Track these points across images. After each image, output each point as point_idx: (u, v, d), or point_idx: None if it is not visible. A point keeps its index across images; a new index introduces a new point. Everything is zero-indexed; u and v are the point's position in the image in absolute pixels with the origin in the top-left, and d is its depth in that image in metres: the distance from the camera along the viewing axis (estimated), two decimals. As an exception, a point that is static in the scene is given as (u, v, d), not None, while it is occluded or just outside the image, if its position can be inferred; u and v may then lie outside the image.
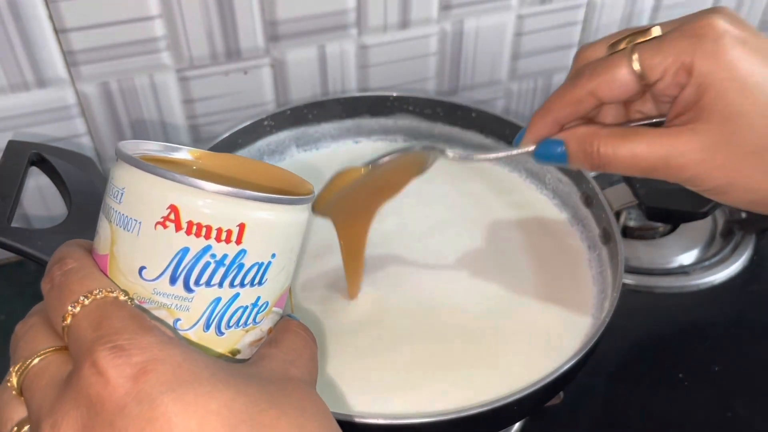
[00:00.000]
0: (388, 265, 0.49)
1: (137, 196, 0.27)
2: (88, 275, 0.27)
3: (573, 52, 0.70)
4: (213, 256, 0.27)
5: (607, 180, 0.58)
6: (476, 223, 0.53)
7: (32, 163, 0.47)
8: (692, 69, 0.34)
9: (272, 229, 0.28)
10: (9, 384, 0.27)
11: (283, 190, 0.31)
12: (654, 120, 0.38)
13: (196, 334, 0.28)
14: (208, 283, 0.27)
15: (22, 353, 0.27)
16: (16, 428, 0.26)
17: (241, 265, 0.28)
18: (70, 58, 0.53)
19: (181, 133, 0.61)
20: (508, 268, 0.50)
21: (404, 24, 0.62)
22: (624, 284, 0.45)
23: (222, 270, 0.27)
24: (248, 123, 0.56)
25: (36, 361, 0.26)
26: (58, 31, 0.52)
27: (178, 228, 0.26)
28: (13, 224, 0.41)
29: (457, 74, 0.67)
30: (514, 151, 0.40)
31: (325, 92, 0.64)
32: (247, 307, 0.29)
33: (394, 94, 0.60)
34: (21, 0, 0.50)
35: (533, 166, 0.57)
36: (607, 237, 0.50)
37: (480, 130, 0.59)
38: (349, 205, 0.43)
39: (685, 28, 0.35)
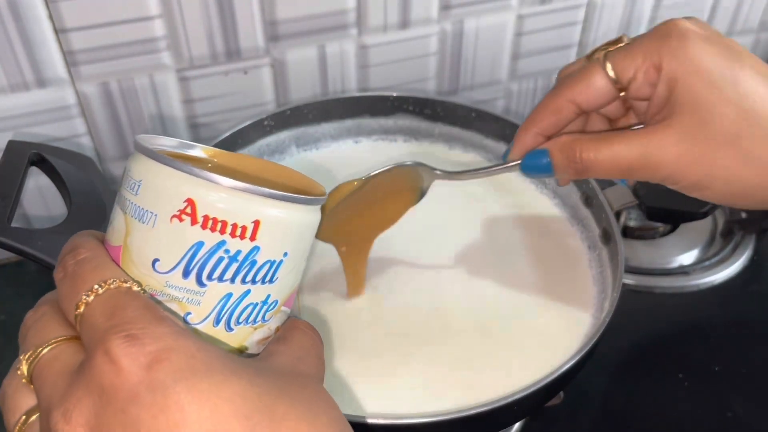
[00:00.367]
0: (388, 266, 0.49)
1: (154, 189, 0.27)
2: (101, 265, 0.27)
3: (573, 52, 0.70)
4: (227, 251, 0.27)
5: (607, 180, 0.58)
6: (476, 223, 0.53)
7: (32, 163, 0.47)
8: (661, 66, 0.36)
9: (286, 227, 0.28)
10: (19, 372, 0.27)
11: (296, 190, 0.31)
12: (638, 127, 0.39)
13: (205, 329, 0.28)
14: (220, 279, 0.27)
15: (32, 341, 0.27)
16: (24, 417, 0.26)
17: (254, 262, 0.28)
18: (70, 58, 0.53)
19: (181, 133, 0.61)
20: (508, 268, 0.50)
21: (404, 24, 0.62)
22: (624, 284, 0.45)
23: (235, 266, 0.27)
24: (248, 123, 0.56)
25: (47, 349, 0.26)
26: (58, 31, 0.52)
27: (193, 222, 0.27)
28: (13, 224, 0.41)
29: (457, 74, 0.67)
30: (502, 167, 0.42)
31: (325, 92, 0.64)
32: (257, 304, 0.29)
33: (394, 94, 0.60)
34: (21, 0, 0.50)
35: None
36: (607, 237, 0.50)
37: (480, 130, 0.59)
38: (348, 232, 0.44)
39: (652, 31, 0.37)
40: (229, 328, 0.28)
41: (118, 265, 0.28)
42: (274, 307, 0.30)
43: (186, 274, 0.27)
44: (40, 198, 0.60)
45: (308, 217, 0.30)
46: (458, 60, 0.66)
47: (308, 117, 0.59)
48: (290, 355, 0.29)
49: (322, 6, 0.58)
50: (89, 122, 0.58)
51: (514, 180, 0.57)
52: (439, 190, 0.56)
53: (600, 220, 0.51)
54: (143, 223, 0.27)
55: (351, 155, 0.60)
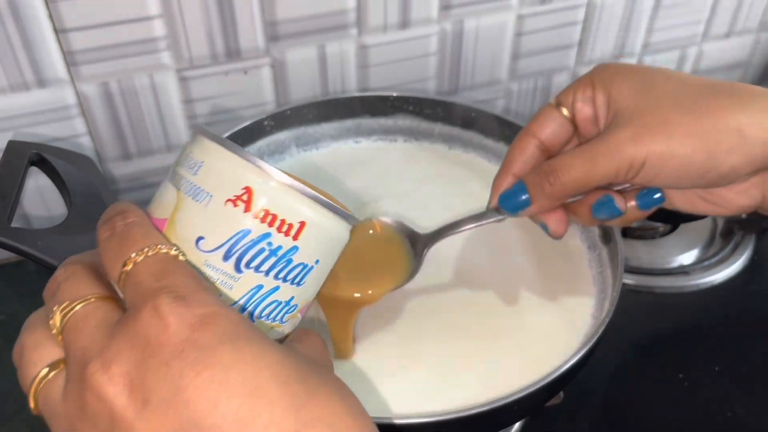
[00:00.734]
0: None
1: (216, 172, 0.28)
2: (151, 231, 0.28)
3: (573, 52, 0.70)
4: (270, 244, 0.28)
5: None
6: (484, 224, 0.53)
7: (32, 163, 0.47)
8: (593, 83, 0.40)
9: (324, 236, 0.30)
10: (51, 323, 0.27)
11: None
12: None
13: None
14: (257, 269, 0.28)
15: (66, 295, 0.27)
16: (48, 369, 0.26)
17: (290, 261, 0.29)
18: (69, 58, 0.53)
19: (181, 133, 0.61)
20: (508, 268, 0.50)
21: (404, 24, 0.62)
22: (624, 284, 0.45)
23: (273, 260, 0.28)
24: (248, 123, 0.56)
25: (84, 303, 0.26)
26: (58, 31, 0.52)
27: (247, 209, 0.28)
28: (13, 224, 0.41)
29: (457, 74, 0.67)
30: (486, 219, 0.43)
31: (325, 92, 0.64)
32: (281, 302, 0.30)
33: (394, 94, 0.60)
34: (21, 0, 0.50)
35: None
36: (607, 237, 0.50)
37: (480, 130, 0.59)
38: (331, 298, 0.42)
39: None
40: (251, 318, 0.29)
41: None
42: (293, 310, 0.31)
43: (227, 257, 0.28)
44: (39, 198, 0.60)
45: (343, 233, 0.31)
46: (458, 60, 0.66)
47: (308, 117, 0.59)
48: (307, 352, 0.30)
49: (322, 6, 0.58)
50: (89, 122, 0.58)
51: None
52: (438, 190, 0.57)
53: (600, 220, 0.51)
54: (197, 201, 0.28)
55: (351, 155, 0.60)
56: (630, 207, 0.41)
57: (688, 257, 0.65)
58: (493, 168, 0.58)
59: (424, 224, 0.53)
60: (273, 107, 0.62)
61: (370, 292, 0.42)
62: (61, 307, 0.27)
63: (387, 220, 0.45)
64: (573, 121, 0.42)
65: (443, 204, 0.55)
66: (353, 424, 0.25)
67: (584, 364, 0.42)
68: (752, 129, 0.36)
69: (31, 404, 0.27)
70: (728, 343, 0.58)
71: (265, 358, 0.24)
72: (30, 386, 0.27)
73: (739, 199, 0.40)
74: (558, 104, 0.42)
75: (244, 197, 0.28)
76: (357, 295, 0.42)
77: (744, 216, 0.66)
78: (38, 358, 0.27)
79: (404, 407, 0.42)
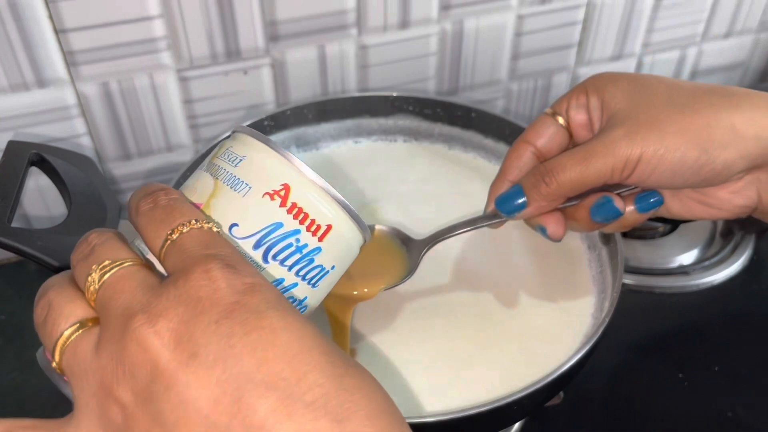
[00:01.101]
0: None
1: (257, 166, 0.30)
2: (194, 208, 0.29)
3: (573, 52, 0.70)
4: (298, 240, 0.30)
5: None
6: (479, 228, 0.53)
7: (32, 164, 0.47)
8: (586, 90, 0.41)
9: (345, 242, 0.32)
10: (90, 279, 0.27)
11: None
12: None
13: None
14: (282, 262, 0.30)
15: (102, 256, 0.27)
16: (79, 324, 0.26)
17: (311, 260, 0.30)
18: (70, 58, 0.53)
19: (181, 133, 0.61)
20: (508, 268, 0.50)
21: (404, 24, 0.62)
22: (624, 284, 0.45)
23: (297, 256, 0.30)
24: (248, 123, 0.56)
25: (122, 264, 0.27)
26: (58, 31, 0.52)
27: (282, 204, 0.30)
28: (13, 224, 0.41)
29: (457, 74, 0.67)
30: (482, 223, 0.43)
31: (325, 92, 0.64)
32: (295, 300, 0.31)
33: (394, 94, 0.60)
34: (21, 0, 0.50)
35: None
36: (607, 237, 0.50)
37: (480, 130, 0.59)
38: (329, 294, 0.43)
39: None
40: None
41: None
42: (303, 311, 0.31)
43: (257, 245, 0.29)
44: (40, 198, 0.60)
45: (357, 246, 0.33)
46: (458, 60, 0.66)
47: (308, 117, 0.59)
48: None
49: (322, 6, 0.58)
50: (89, 122, 0.58)
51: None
52: (438, 190, 0.57)
53: (600, 220, 0.51)
54: (235, 190, 0.30)
55: (351, 155, 0.60)
56: (628, 211, 0.41)
57: (688, 257, 0.65)
58: (493, 168, 0.58)
59: (424, 224, 0.53)
60: (273, 107, 0.62)
61: (365, 290, 0.42)
62: (101, 266, 0.27)
63: (383, 227, 0.45)
64: (568, 129, 0.42)
65: (443, 204, 0.55)
66: (384, 399, 0.25)
67: (584, 364, 0.42)
68: (745, 125, 0.37)
69: (56, 358, 0.26)
70: (728, 343, 0.58)
71: (307, 330, 0.25)
72: (57, 341, 0.26)
73: (735, 198, 0.40)
74: (553, 113, 0.43)
75: (282, 193, 0.30)
76: (353, 292, 0.42)
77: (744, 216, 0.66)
78: (69, 312, 0.27)
79: (404, 407, 0.42)
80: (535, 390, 0.39)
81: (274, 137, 0.58)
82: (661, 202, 0.41)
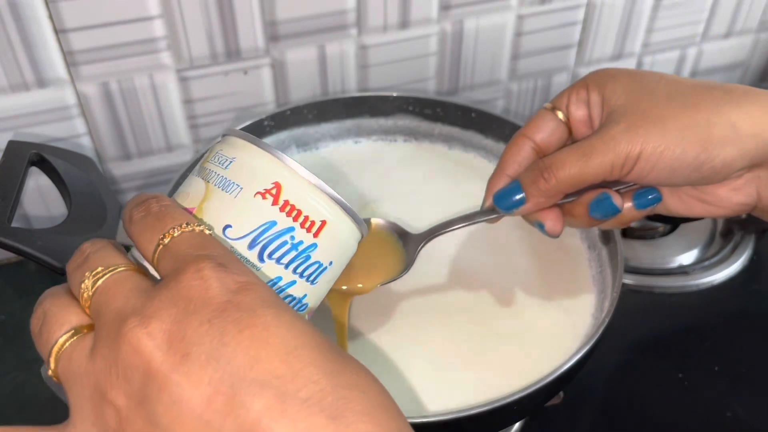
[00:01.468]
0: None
1: (247, 167, 0.30)
2: (185, 213, 0.29)
3: (573, 52, 0.70)
4: (292, 237, 0.30)
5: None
6: (476, 224, 0.53)
7: (32, 163, 0.47)
8: (587, 85, 0.41)
9: (340, 238, 0.32)
10: (83, 286, 0.27)
11: None
12: None
13: None
14: (278, 260, 0.30)
15: (96, 263, 0.27)
16: (73, 331, 0.26)
17: (308, 257, 0.30)
18: (70, 58, 0.54)
19: (181, 134, 0.61)
20: (508, 268, 0.50)
21: (404, 24, 0.62)
22: (624, 284, 0.45)
23: (293, 253, 0.30)
24: (248, 123, 0.56)
25: (114, 270, 0.27)
26: (58, 31, 0.52)
27: (274, 202, 0.30)
28: (13, 224, 0.41)
29: (457, 74, 0.67)
30: (479, 218, 0.43)
31: (325, 92, 0.64)
32: (295, 298, 0.31)
33: (394, 94, 0.60)
34: (21, 0, 0.50)
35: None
36: (606, 237, 0.50)
37: (480, 130, 0.59)
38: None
39: None
40: None
41: None
42: (303, 309, 0.31)
43: (252, 245, 0.29)
44: (40, 198, 0.60)
45: (354, 241, 0.33)
46: (458, 60, 0.66)
47: (308, 117, 0.59)
48: None
49: (322, 6, 0.58)
50: (89, 122, 0.58)
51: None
52: (439, 190, 0.57)
53: (600, 220, 0.51)
54: (226, 192, 0.30)
55: (351, 155, 0.60)
56: (626, 208, 0.41)
57: (687, 257, 0.65)
58: (493, 168, 0.58)
59: (424, 224, 0.53)
60: (273, 107, 0.62)
61: (363, 284, 0.42)
62: (94, 272, 0.27)
63: (380, 221, 0.45)
64: (568, 124, 0.42)
65: (443, 204, 0.55)
66: (382, 395, 0.25)
67: (584, 364, 0.42)
68: (745, 122, 0.36)
69: (51, 366, 0.27)
70: (728, 343, 0.58)
71: (301, 326, 0.25)
72: (52, 348, 0.26)
73: (734, 196, 0.40)
74: (553, 108, 0.42)
75: (273, 191, 0.30)
76: (350, 286, 0.42)
77: (744, 216, 0.66)
78: (64, 320, 0.27)
79: (404, 407, 0.42)
80: (535, 390, 0.39)
81: (274, 137, 0.58)
82: (659, 199, 0.41)
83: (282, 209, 0.29)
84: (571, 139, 0.43)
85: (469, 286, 0.49)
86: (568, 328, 0.46)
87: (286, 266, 0.30)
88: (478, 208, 0.43)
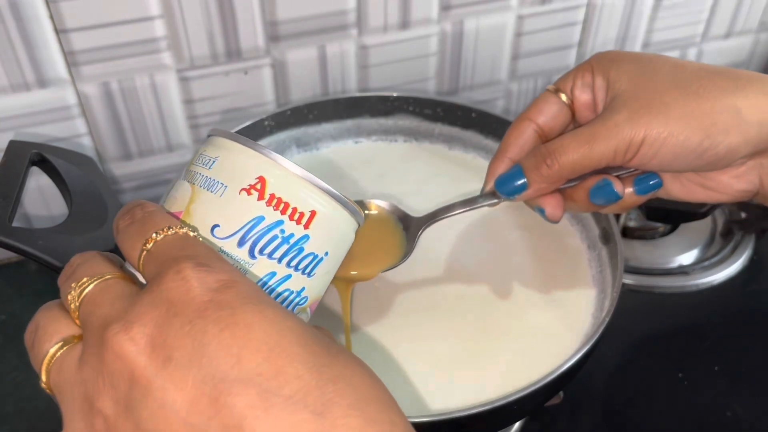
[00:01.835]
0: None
1: (230, 164, 0.30)
2: (170, 216, 0.29)
3: (573, 52, 0.70)
4: (282, 231, 0.29)
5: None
6: (476, 223, 0.54)
7: (33, 163, 0.47)
8: (592, 68, 0.41)
9: (333, 228, 0.31)
10: (69, 297, 0.27)
11: None
12: None
13: None
14: (270, 255, 0.29)
15: (82, 274, 0.27)
16: (62, 343, 0.26)
17: (301, 249, 0.30)
18: (70, 58, 0.54)
19: (181, 133, 0.61)
20: (508, 268, 0.50)
21: (404, 24, 0.62)
22: (624, 284, 0.45)
23: (285, 247, 0.29)
24: (248, 123, 0.56)
25: (100, 279, 0.27)
26: (59, 32, 0.52)
27: (260, 197, 0.29)
28: (14, 224, 0.41)
29: (457, 74, 0.67)
30: (480, 203, 0.42)
31: (326, 92, 0.64)
32: (292, 292, 0.30)
33: (394, 95, 0.60)
34: (22, 0, 0.50)
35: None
36: (606, 237, 0.50)
37: (480, 130, 0.59)
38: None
39: None
40: None
41: None
42: (303, 302, 0.31)
43: (241, 243, 0.29)
44: (40, 198, 0.60)
45: (350, 229, 0.32)
46: (458, 60, 0.66)
47: (308, 117, 0.59)
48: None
49: (323, 6, 0.58)
50: (90, 122, 0.58)
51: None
52: (438, 190, 0.57)
53: (599, 219, 0.51)
54: (212, 192, 0.29)
55: (351, 155, 0.60)
56: (627, 193, 0.40)
57: (687, 257, 0.65)
58: (493, 168, 0.59)
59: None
60: (273, 107, 0.62)
61: (364, 271, 0.42)
62: (79, 283, 0.27)
63: (381, 202, 0.44)
64: (571, 107, 0.42)
65: (443, 204, 0.55)
66: (372, 387, 0.25)
67: (584, 363, 0.42)
68: (749, 109, 0.36)
69: (43, 378, 0.27)
70: (728, 343, 0.58)
71: (285, 322, 0.25)
72: (42, 360, 0.27)
73: (737, 183, 0.40)
74: (556, 90, 0.42)
75: (258, 186, 0.29)
76: (352, 272, 0.42)
77: (744, 216, 0.66)
78: (54, 331, 0.27)
79: (404, 407, 0.42)
80: (535, 389, 0.39)
81: (275, 137, 0.58)
82: (660, 185, 0.41)
83: (269, 203, 0.29)
84: (573, 122, 0.42)
85: (468, 286, 0.49)
86: (568, 328, 0.46)
87: (279, 260, 0.29)
88: (481, 210, 0.43)
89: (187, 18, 0.55)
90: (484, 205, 0.42)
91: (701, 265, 0.64)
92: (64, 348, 0.26)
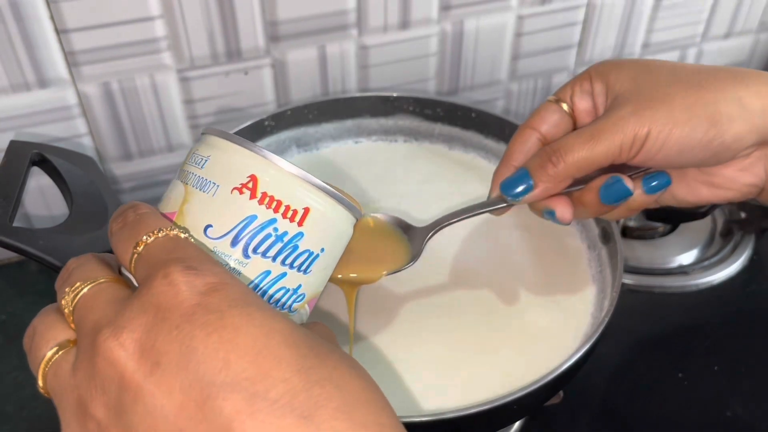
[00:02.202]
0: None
1: (222, 163, 0.29)
2: (162, 218, 0.29)
3: (573, 52, 0.70)
4: (275, 229, 0.29)
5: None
6: (476, 223, 0.54)
7: (34, 163, 0.47)
8: (590, 76, 0.41)
9: (328, 224, 0.31)
10: (63, 302, 0.27)
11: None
12: None
13: None
14: (264, 254, 0.29)
15: (76, 279, 0.28)
16: (57, 348, 0.27)
17: (296, 247, 0.30)
18: (71, 58, 0.54)
19: (182, 133, 0.61)
20: (508, 267, 0.50)
21: (404, 24, 0.62)
22: (624, 284, 0.45)
23: (279, 245, 0.29)
24: (249, 123, 0.56)
25: (94, 283, 0.27)
26: (59, 32, 0.52)
27: (252, 196, 0.29)
28: (15, 224, 0.41)
29: (457, 74, 0.67)
30: (486, 208, 0.42)
31: (326, 92, 0.64)
32: (288, 289, 0.30)
33: (394, 95, 0.60)
34: (22, 0, 0.50)
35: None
36: (606, 237, 0.50)
37: (480, 130, 0.59)
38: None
39: None
40: None
41: None
42: (301, 299, 0.31)
43: (235, 242, 0.29)
44: (41, 198, 0.60)
45: (346, 224, 0.32)
46: (458, 60, 0.66)
47: (308, 117, 0.59)
48: (315, 331, 0.30)
49: (323, 6, 0.58)
50: (90, 122, 0.58)
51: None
52: (438, 190, 0.57)
53: (599, 219, 0.51)
54: (204, 192, 0.29)
55: (351, 155, 0.60)
56: (636, 193, 0.40)
57: (687, 257, 0.65)
58: (494, 168, 0.58)
59: (425, 224, 0.53)
60: (273, 107, 0.62)
61: (367, 273, 0.42)
62: (73, 288, 0.27)
63: (382, 216, 0.45)
64: (572, 115, 0.42)
65: (443, 204, 0.55)
66: (362, 388, 0.25)
67: (584, 363, 0.42)
68: (751, 98, 0.37)
69: (40, 383, 0.27)
70: (727, 343, 0.58)
71: (274, 324, 0.25)
72: (39, 364, 0.27)
73: (743, 177, 0.40)
74: (557, 100, 0.42)
75: (250, 185, 0.29)
76: (355, 275, 0.41)
77: (743, 216, 0.66)
78: (50, 337, 0.27)
79: (403, 406, 0.42)
80: (535, 389, 0.39)
81: (275, 137, 0.58)
82: (668, 182, 0.40)
83: (261, 202, 0.29)
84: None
85: (468, 286, 0.49)
86: (567, 328, 0.46)
87: (274, 259, 0.29)
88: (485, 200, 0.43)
89: (187, 18, 0.55)
90: (489, 211, 0.42)
91: (701, 265, 0.64)
92: (60, 353, 0.27)
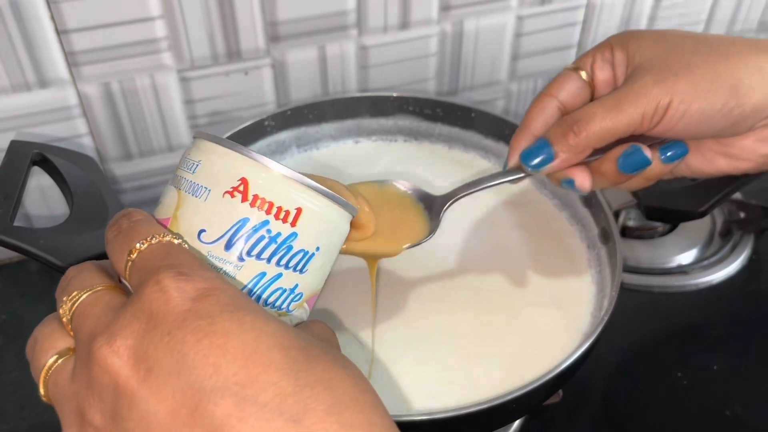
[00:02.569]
0: (386, 265, 0.50)
1: (212, 167, 0.30)
2: (155, 225, 0.29)
3: (573, 52, 0.70)
4: (269, 231, 0.29)
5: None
6: (475, 222, 0.54)
7: (34, 163, 0.47)
8: (611, 45, 0.41)
9: (322, 222, 0.31)
10: (61, 311, 0.28)
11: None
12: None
13: None
14: (258, 256, 0.29)
15: (73, 287, 0.28)
16: (57, 356, 0.27)
17: (290, 247, 0.30)
18: (71, 58, 0.54)
19: (182, 134, 0.61)
20: (507, 267, 0.51)
21: (404, 25, 0.62)
22: (623, 284, 0.45)
23: (273, 246, 0.29)
24: (249, 123, 0.56)
25: (92, 291, 0.27)
26: (60, 32, 0.52)
27: (244, 199, 0.29)
28: (15, 224, 0.41)
29: (457, 75, 0.67)
30: (504, 178, 0.41)
31: (326, 93, 0.64)
32: (285, 290, 0.30)
33: (394, 95, 0.60)
34: (23, 1, 0.50)
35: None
36: (606, 236, 0.50)
37: (480, 130, 0.59)
38: (350, 251, 0.42)
39: None
40: None
41: None
42: (299, 299, 0.31)
43: (228, 246, 0.29)
44: (41, 198, 0.60)
45: (341, 222, 0.32)
46: (458, 60, 0.66)
47: (308, 117, 0.59)
48: (313, 330, 0.30)
49: (323, 7, 0.58)
50: (91, 122, 0.58)
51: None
52: (438, 191, 0.57)
53: (599, 219, 0.51)
54: (196, 196, 0.29)
55: (351, 155, 0.60)
56: (653, 163, 0.40)
57: (686, 257, 0.65)
58: (494, 168, 0.59)
59: (424, 224, 0.53)
60: (273, 108, 0.62)
61: (388, 247, 0.41)
62: (71, 296, 0.27)
63: (402, 185, 0.44)
64: (591, 84, 0.41)
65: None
66: (353, 388, 0.25)
67: (583, 362, 0.43)
68: None
69: (41, 391, 0.27)
70: (727, 343, 0.58)
71: (264, 327, 0.25)
72: (40, 373, 0.27)
73: (760, 147, 0.40)
74: (576, 68, 0.41)
75: (241, 188, 0.29)
76: (376, 249, 0.41)
77: (743, 215, 0.66)
78: (50, 346, 0.27)
79: (402, 405, 0.42)
80: (534, 388, 0.39)
81: (275, 137, 0.58)
82: (685, 151, 0.40)
83: (253, 204, 0.29)
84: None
85: (468, 285, 0.49)
86: (567, 327, 0.46)
87: (268, 260, 0.29)
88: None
89: (187, 18, 0.55)
90: (508, 181, 0.41)
91: (700, 264, 0.64)
92: (60, 361, 0.27)
